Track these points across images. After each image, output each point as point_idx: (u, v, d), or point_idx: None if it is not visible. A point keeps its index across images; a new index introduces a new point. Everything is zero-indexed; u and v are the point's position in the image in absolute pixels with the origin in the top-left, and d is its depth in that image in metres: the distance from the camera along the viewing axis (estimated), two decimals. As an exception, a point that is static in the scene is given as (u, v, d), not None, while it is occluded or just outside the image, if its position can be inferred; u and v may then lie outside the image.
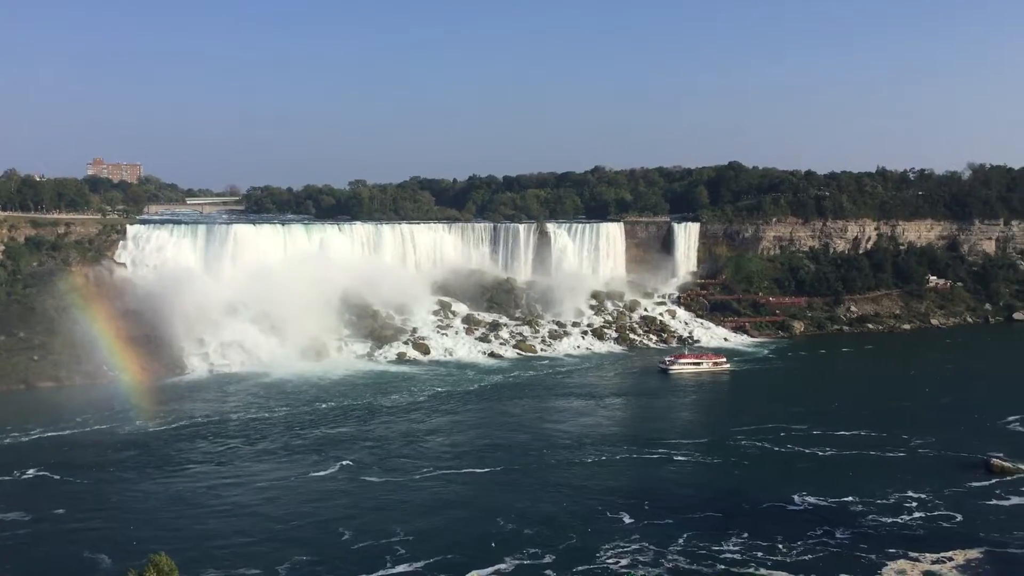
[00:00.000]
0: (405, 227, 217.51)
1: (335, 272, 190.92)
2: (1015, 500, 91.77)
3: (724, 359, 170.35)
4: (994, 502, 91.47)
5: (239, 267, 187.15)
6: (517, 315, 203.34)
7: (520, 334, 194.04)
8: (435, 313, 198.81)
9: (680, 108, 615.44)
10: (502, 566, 74.35)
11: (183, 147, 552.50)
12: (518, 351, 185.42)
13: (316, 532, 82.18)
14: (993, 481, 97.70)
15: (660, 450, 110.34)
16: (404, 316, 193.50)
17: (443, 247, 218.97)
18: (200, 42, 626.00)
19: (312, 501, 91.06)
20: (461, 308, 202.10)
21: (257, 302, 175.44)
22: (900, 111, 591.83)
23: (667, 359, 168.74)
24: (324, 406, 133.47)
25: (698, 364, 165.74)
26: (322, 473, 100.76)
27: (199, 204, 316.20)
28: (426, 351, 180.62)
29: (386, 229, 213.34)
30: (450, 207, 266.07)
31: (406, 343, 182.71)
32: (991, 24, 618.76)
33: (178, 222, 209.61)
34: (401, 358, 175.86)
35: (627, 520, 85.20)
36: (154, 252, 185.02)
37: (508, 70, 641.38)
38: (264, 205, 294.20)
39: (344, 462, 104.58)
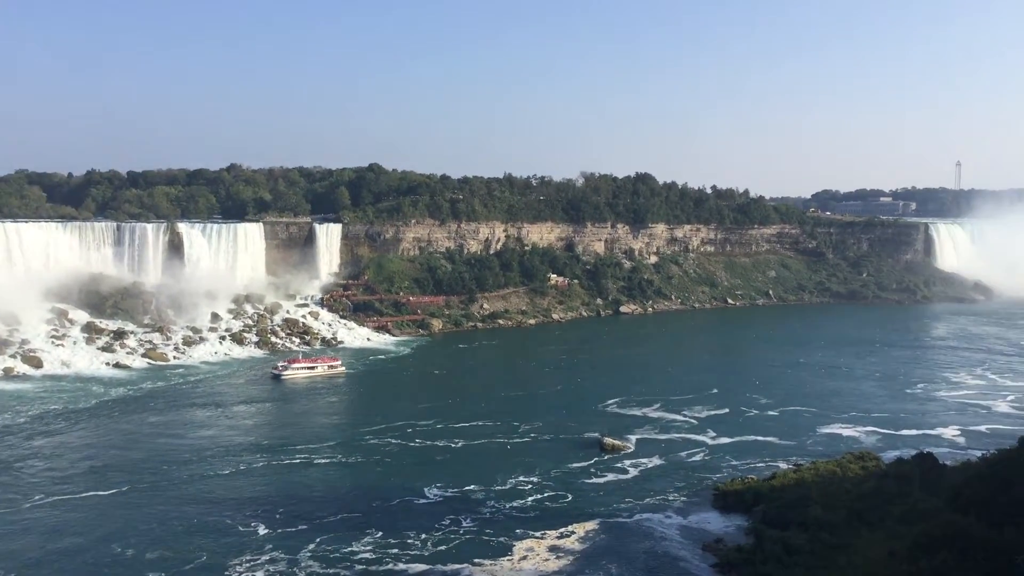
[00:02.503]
0: (10, 226, 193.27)
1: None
2: (621, 474, 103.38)
3: (339, 361, 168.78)
4: (607, 477, 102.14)
5: None
6: (146, 322, 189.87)
7: (150, 342, 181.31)
8: (49, 322, 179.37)
9: (322, 110, 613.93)
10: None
11: None
12: (148, 360, 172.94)
13: None
14: (605, 458, 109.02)
15: (297, 456, 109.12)
16: (11, 327, 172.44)
17: (57, 249, 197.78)
18: None
19: None
20: (80, 316, 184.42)
21: None
22: (518, 123, 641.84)
23: (280, 364, 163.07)
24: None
25: (312, 368, 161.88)
26: None
27: None
28: (38, 364, 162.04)
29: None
30: (65, 204, 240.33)
31: (13, 356, 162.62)
32: (582, 41, 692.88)
33: None
34: (8, 374, 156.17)
35: (262, 531, 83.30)
36: None
37: (130, 55, 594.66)
38: None
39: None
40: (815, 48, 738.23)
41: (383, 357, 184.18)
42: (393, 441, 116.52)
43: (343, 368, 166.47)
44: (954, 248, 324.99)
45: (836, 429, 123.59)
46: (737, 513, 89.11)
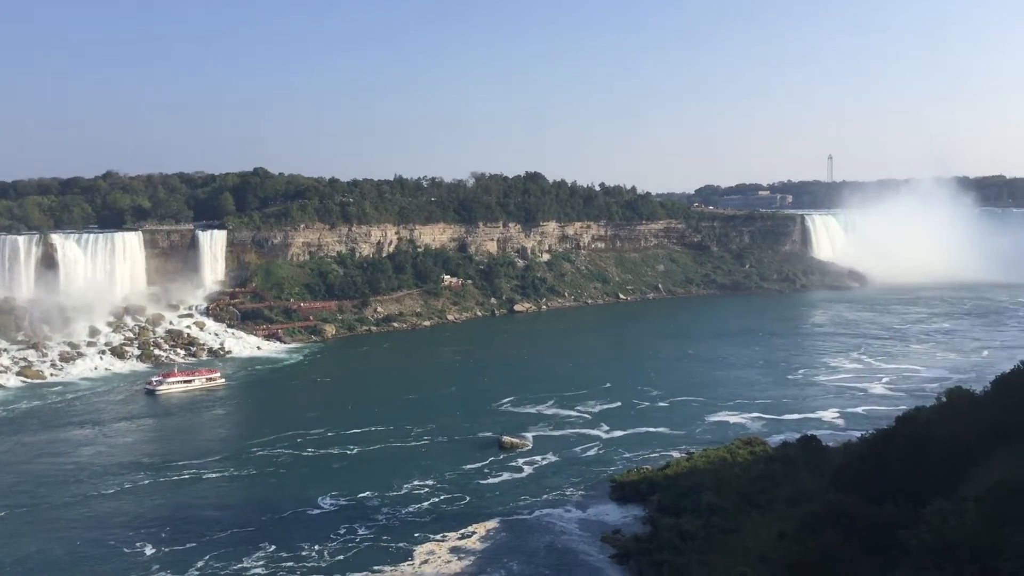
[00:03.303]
0: None
1: None
2: (519, 472, 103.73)
3: (218, 373, 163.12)
4: (505, 475, 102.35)
5: None
6: (20, 338, 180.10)
7: (24, 359, 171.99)
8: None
9: (203, 114, 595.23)
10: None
11: None
12: (23, 379, 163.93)
13: None
14: (501, 457, 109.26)
15: (184, 472, 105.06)
16: None
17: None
18: None
19: None
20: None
21: None
22: (405, 123, 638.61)
23: (154, 379, 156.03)
24: None
25: (189, 381, 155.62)
26: None
27: None
28: None
29: None
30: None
31: None
32: (462, 41, 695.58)
33: None
34: None
35: (148, 551, 79.91)
36: None
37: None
38: None
39: None
40: (692, 47, 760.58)
41: (274, 366, 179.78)
42: (284, 452, 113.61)
43: (222, 380, 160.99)
44: (829, 238, 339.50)
45: (723, 417, 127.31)
46: (634, 503, 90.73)
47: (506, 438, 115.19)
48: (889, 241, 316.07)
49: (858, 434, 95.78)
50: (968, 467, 56.20)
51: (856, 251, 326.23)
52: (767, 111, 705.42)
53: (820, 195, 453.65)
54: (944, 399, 75.30)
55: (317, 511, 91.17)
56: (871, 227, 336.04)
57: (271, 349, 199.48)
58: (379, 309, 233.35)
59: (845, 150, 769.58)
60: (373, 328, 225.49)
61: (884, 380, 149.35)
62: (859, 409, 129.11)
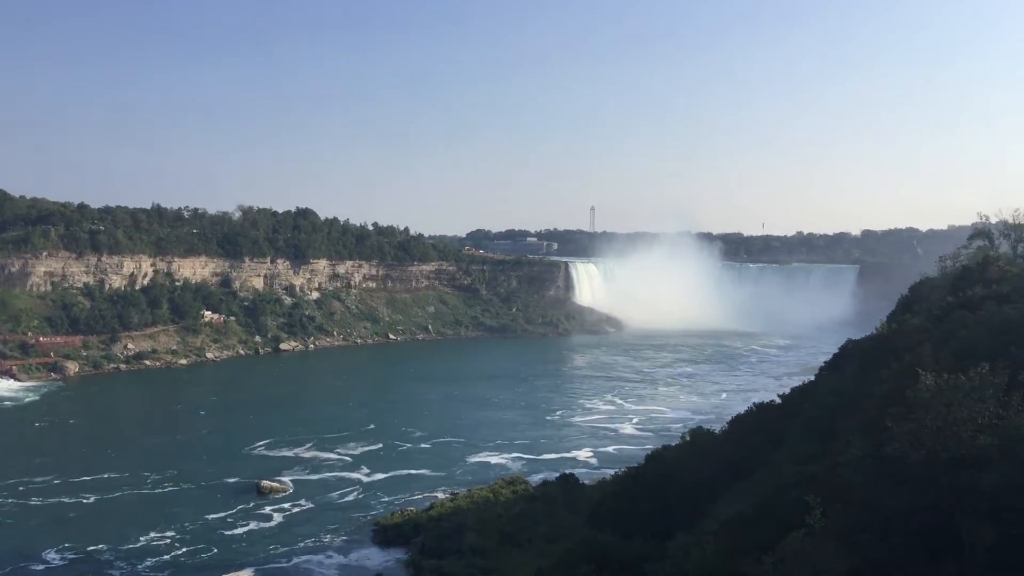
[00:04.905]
0: None
1: None
2: (272, 519, 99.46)
3: None
4: (258, 523, 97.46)
5: None
6: None
7: None
8: None
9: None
10: None
11: None
12: None
13: None
14: (256, 503, 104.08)
15: None
16: None
17: None
18: None
19: None
20: None
21: None
22: (171, 149, 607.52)
23: None
24: None
25: None
26: None
27: None
28: None
29: None
30: None
31: None
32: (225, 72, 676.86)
33: None
34: None
35: None
36: None
37: None
38: None
39: None
40: (463, 94, 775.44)
41: (6, 405, 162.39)
42: (5, 501, 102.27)
43: None
44: (590, 284, 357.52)
45: (485, 457, 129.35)
46: (397, 547, 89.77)
47: (265, 482, 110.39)
48: (642, 289, 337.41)
49: (612, 472, 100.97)
50: (709, 502, 60.84)
51: (613, 298, 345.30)
52: (537, 161, 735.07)
53: (583, 243, 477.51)
54: (688, 438, 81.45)
55: (41, 567, 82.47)
56: (626, 276, 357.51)
57: (3, 387, 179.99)
58: (130, 346, 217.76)
59: (605, 202, 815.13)
60: (123, 366, 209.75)
61: (634, 421, 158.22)
62: (611, 448, 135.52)
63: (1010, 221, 75.96)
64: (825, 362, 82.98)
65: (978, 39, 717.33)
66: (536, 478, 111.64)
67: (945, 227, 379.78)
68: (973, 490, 28.48)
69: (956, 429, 29.83)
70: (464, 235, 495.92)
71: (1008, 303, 45.82)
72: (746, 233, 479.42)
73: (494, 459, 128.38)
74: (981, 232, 79.42)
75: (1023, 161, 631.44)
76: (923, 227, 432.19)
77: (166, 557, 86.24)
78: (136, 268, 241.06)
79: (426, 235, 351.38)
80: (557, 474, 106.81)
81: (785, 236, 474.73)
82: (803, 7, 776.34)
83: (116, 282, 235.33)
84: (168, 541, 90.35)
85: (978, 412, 30.12)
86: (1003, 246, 76.14)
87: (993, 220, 78.55)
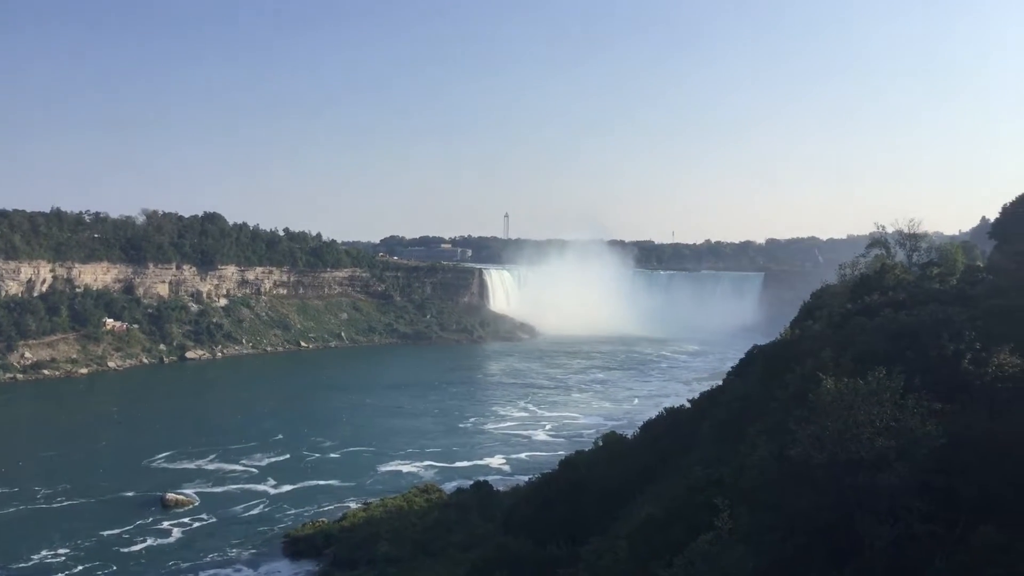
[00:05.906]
0: None
1: None
2: (180, 533, 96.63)
3: None
4: (162, 538, 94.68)
5: None
6: None
7: None
8: None
9: None
10: None
11: None
12: None
13: None
14: (157, 518, 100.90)
15: None
16: None
17: None
18: None
19: None
20: None
21: None
22: (66, 150, 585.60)
23: None
24: None
25: None
26: None
27: None
28: None
29: None
30: None
31: None
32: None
33: None
34: None
35: None
36: None
37: None
38: None
39: None
40: (364, 103, 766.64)
41: None
42: None
43: None
44: (504, 291, 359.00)
45: (397, 466, 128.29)
46: (308, 559, 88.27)
47: (170, 495, 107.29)
48: (556, 295, 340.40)
49: (525, 478, 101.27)
50: (622, 506, 61.55)
51: (527, 305, 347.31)
52: (451, 167, 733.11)
53: (497, 251, 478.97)
54: (600, 443, 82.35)
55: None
56: (540, 282, 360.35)
57: None
58: (27, 355, 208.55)
59: (519, 209, 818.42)
60: (19, 376, 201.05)
61: (547, 427, 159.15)
62: (523, 455, 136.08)
63: (905, 231, 79.54)
64: (732, 367, 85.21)
65: (877, 43, 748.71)
66: (450, 486, 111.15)
67: (844, 236, 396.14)
68: (872, 491, 29.42)
69: (856, 431, 30.76)
70: (378, 241, 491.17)
71: (904, 309, 47.61)
72: (657, 241, 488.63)
73: (406, 468, 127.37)
74: (878, 241, 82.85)
75: (918, 170, 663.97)
76: (824, 236, 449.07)
77: (77, 570, 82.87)
78: (34, 274, 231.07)
79: (339, 241, 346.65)
80: (471, 482, 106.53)
81: (694, 244, 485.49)
82: (692, 20, 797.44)
83: (13, 288, 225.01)
84: (62, 559, 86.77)
85: (876, 415, 31.12)
86: (899, 254, 79.48)
87: (890, 230, 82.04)
